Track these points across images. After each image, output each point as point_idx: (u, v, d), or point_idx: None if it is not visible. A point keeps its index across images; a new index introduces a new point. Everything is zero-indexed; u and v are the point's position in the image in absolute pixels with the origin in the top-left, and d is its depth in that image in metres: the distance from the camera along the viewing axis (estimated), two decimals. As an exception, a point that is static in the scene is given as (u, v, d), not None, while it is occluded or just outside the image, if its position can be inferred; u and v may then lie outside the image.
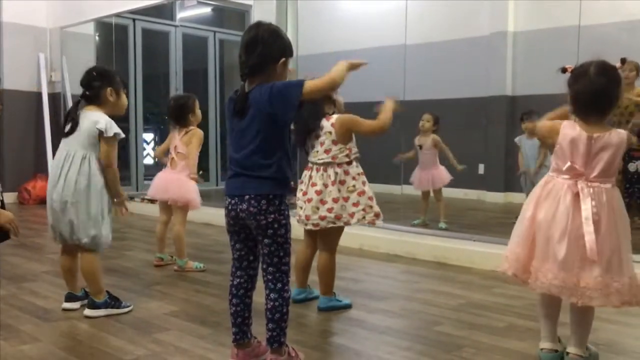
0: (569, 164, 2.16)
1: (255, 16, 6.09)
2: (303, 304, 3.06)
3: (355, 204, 2.88)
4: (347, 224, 2.92)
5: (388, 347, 2.51)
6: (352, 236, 4.47)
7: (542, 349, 2.29)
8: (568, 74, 2.24)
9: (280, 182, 2.12)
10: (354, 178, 2.90)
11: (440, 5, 6.81)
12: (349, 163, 2.91)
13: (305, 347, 2.44)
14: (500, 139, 6.39)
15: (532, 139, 4.96)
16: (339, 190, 2.88)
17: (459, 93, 6.54)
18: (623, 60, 2.24)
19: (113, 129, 2.82)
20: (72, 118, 2.85)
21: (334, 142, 2.90)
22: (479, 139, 6.64)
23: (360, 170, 2.95)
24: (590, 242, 2.07)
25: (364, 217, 2.91)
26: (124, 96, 2.96)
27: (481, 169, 6.62)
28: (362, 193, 2.90)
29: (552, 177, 2.23)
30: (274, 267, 2.15)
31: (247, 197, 2.10)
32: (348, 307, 3.04)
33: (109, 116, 2.88)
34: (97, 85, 2.86)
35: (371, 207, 2.91)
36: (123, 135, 2.87)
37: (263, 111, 2.06)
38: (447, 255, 4.13)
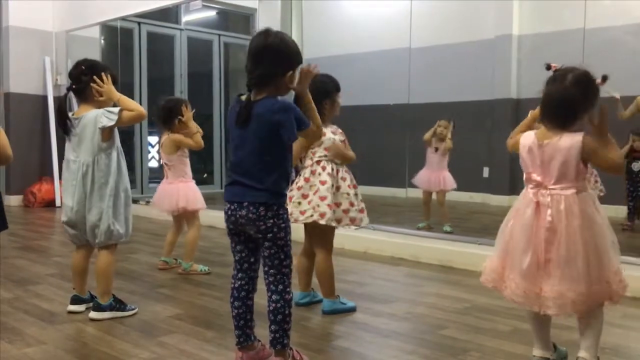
0: (525, 174, 2.17)
1: (260, 19, 6.10)
2: (307, 307, 3.06)
3: (337, 204, 2.94)
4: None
5: (392, 350, 2.51)
6: (357, 239, 4.47)
7: (533, 356, 2.28)
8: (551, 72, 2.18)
9: (276, 194, 2.14)
10: (343, 179, 2.95)
11: (445, 9, 6.81)
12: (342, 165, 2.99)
13: (309, 351, 2.44)
14: (505, 142, 6.37)
15: None
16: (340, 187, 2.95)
17: (463, 96, 6.53)
18: (604, 78, 2.12)
19: (113, 112, 2.78)
20: (64, 116, 2.84)
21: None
22: (483, 142, 6.62)
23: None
24: (539, 252, 2.08)
25: (340, 220, 2.97)
26: None
27: (486, 172, 6.60)
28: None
29: (526, 187, 2.22)
30: (274, 269, 2.16)
31: (245, 203, 2.12)
32: (352, 310, 3.04)
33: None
34: (85, 80, 2.84)
35: (363, 209, 3.00)
36: (118, 108, 2.82)
37: (270, 123, 2.07)
38: (452, 258, 4.12)
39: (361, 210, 2.97)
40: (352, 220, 2.94)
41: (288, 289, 2.17)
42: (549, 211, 2.08)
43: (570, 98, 2.09)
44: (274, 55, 2.08)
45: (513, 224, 2.21)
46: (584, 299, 2.06)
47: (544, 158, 2.12)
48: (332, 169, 2.92)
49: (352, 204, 2.92)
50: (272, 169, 2.11)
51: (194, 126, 3.86)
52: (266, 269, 2.18)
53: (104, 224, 2.83)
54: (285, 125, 2.07)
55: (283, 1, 5.56)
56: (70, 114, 2.88)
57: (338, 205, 2.90)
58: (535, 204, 2.12)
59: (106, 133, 2.82)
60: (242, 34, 8.76)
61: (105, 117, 2.79)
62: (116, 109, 2.80)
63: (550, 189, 2.11)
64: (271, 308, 2.15)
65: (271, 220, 2.12)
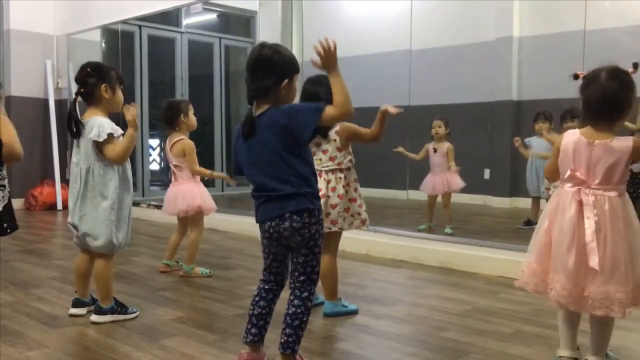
0: (569, 172, 2.15)
1: (261, 22, 6.10)
2: (309, 310, 3.05)
3: (346, 210, 2.94)
4: (341, 229, 2.95)
5: (394, 353, 2.51)
6: (358, 242, 4.47)
7: (560, 357, 2.27)
8: (580, 80, 2.21)
9: (314, 196, 2.15)
10: (348, 184, 2.96)
11: (446, 11, 6.81)
12: (348, 169, 2.97)
13: (310, 353, 2.44)
14: (506, 144, 6.36)
15: (542, 139, 4.98)
16: (341, 196, 2.93)
17: (464, 98, 6.53)
18: (636, 65, 2.16)
19: (104, 132, 2.75)
20: (76, 121, 2.82)
21: (339, 149, 2.93)
22: (484, 144, 6.63)
23: (355, 176, 3.00)
24: (592, 252, 2.06)
25: (351, 223, 2.96)
26: (119, 92, 2.91)
27: (487, 174, 6.60)
28: (353, 200, 2.96)
29: (561, 187, 2.22)
30: (305, 275, 2.18)
31: (287, 214, 2.10)
32: (354, 312, 3.04)
33: (108, 114, 2.88)
34: (91, 82, 2.82)
35: (359, 214, 2.97)
36: (120, 132, 2.81)
37: (283, 129, 2.07)
38: (453, 260, 4.12)
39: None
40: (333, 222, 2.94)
41: (311, 297, 2.19)
42: (595, 211, 2.08)
43: (611, 94, 2.11)
44: (267, 66, 2.10)
45: (550, 224, 2.19)
46: (628, 300, 2.07)
47: (592, 157, 2.12)
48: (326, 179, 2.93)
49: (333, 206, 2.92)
50: (300, 172, 2.11)
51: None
52: (296, 274, 2.19)
53: (104, 237, 2.81)
54: (292, 118, 2.05)
55: (283, 2, 5.57)
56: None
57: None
58: (578, 203, 2.11)
59: (99, 146, 2.78)
60: (242, 37, 8.79)
61: (98, 130, 2.75)
62: (107, 133, 2.74)
63: (593, 188, 2.11)
64: (290, 312, 2.16)
65: (314, 227, 2.14)
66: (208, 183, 8.36)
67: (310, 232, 2.13)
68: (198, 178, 3.99)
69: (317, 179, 2.23)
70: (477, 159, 6.43)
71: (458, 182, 5.17)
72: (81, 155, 2.83)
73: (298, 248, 2.16)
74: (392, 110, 2.83)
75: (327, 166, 2.93)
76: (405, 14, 5.70)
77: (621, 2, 5.47)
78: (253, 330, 2.23)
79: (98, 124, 2.78)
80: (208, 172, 3.99)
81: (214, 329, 2.80)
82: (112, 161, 2.80)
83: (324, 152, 2.93)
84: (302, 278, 2.18)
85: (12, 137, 2.19)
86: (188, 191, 3.88)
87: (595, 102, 2.14)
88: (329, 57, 2.09)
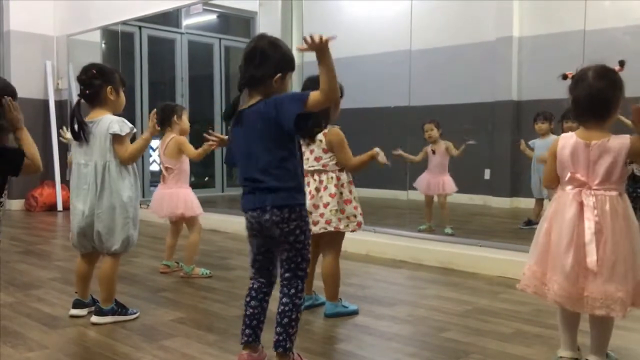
0: (569, 174, 2.15)
1: (261, 22, 6.10)
2: (309, 311, 3.06)
3: (342, 211, 2.93)
4: (337, 229, 2.93)
5: (394, 353, 2.51)
6: (358, 242, 4.46)
7: (560, 357, 2.27)
8: (569, 80, 2.22)
9: (298, 191, 2.15)
10: (342, 186, 2.94)
11: (446, 11, 6.81)
12: (341, 170, 2.95)
13: (311, 354, 2.44)
14: (506, 144, 6.38)
15: (544, 140, 4.99)
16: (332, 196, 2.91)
17: (464, 98, 6.53)
18: (622, 63, 2.18)
19: (126, 126, 2.82)
20: (80, 123, 2.83)
21: (324, 150, 2.92)
22: (484, 144, 6.63)
23: (350, 178, 2.98)
24: (590, 253, 2.06)
25: (347, 225, 2.94)
26: (122, 95, 2.94)
27: (487, 174, 6.60)
28: (348, 201, 2.94)
29: (561, 189, 2.22)
30: (291, 272, 2.19)
31: (269, 207, 2.12)
32: (355, 313, 3.04)
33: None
34: (97, 84, 2.83)
35: (355, 216, 2.94)
36: (135, 129, 2.87)
37: (270, 121, 2.08)
38: (454, 260, 4.12)
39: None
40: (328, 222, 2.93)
41: (300, 294, 2.19)
42: (595, 212, 2.08)
43: (599, 93, 2.12)
44: (263, 57, 2.11)
45: (549, 227, 2.20)
46: (629, 299, 2.07)
47: (590, 158, 2.13)
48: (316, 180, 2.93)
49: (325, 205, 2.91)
50: (286, 166, 2.12)
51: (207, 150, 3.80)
52: (282, 271, 2.21)
53: (121, 234, 2.82)
54: (278, 107, 2.05)
55: (283, 2, 5.57)
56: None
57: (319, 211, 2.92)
58: (579, 204, 2.12)
59: (117, 142, 2.81)
60: (242, 38, 8.78)
61: (119, 125, 2.80)
62: (129, 129, 2.82)
63: (594, 189, 2.12)
64: (279, 310, 2.17)
65: (295, 222, 2.13)
66: (208, 184, 8.43)
67: (289, 227, 2.13)
68: (187, 182, 3.99)
69: (303, 175, 2.23)
70: (477, 159, 6.43)
71: (452, 185, 5.18)
72: (94, 154, 2.82)
73: (280, 242, 2.17)
74: (382, 160, 2.80)
75: (313, 166, 2.93)
76: (405, 14, 5.70)
77: (621, 2, 5.47)
78: (247, 331, 2.25)
79: (117, 120, 2.82)
80: (202, 150, 3.74)
81: (214, 329, 2.81)
82: (122, 160, 2.82)
83: (311, 151, 2.93)
84: (287, 275, 2.19)
85: (35, 150, 2.34)
86: (173, 197, 3.89)
87: (583, 101, 2.15)
88: (316, 47, 2.00)
